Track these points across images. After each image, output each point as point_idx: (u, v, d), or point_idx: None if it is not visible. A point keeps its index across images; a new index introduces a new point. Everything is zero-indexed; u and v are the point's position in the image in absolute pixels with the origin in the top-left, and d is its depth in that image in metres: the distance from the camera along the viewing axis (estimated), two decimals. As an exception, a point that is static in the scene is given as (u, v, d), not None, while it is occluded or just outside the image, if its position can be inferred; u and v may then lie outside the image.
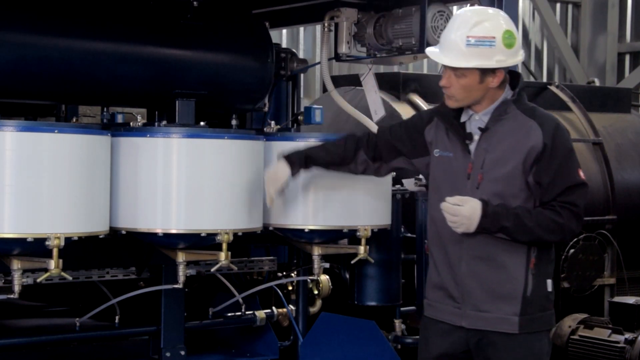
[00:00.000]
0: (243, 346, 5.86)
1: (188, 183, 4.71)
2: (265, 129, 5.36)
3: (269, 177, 4.61)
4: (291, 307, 5.99)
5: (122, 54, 5.15)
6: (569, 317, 6.83)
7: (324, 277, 6.24)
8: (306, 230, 5.10)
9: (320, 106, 6.06)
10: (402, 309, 6.01)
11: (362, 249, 5.21)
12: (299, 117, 5.97)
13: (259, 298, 5.86)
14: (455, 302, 4.14)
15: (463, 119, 4.15)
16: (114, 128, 4.91)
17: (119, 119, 5.43)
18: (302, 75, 6.28)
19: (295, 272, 5.98)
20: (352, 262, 5.42)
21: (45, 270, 4.40)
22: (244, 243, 5.38)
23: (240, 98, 5.68)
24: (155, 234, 4.72)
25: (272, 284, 5.80)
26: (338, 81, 7.05)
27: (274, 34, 6.17)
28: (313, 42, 11.62)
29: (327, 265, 5.44)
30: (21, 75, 4.90)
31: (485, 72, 4.01)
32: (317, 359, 5.62)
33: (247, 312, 5.71)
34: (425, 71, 11.94)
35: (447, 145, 4.17)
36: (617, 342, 6.53)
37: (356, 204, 5.14)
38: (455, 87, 4.05)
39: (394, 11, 5.64)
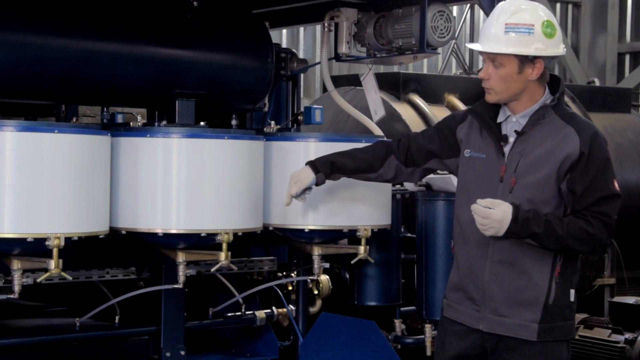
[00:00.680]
0: (243, 346, 5.86)
1: (188, 183, 4.70)
2: (265, 129, 5.34)
3: (292, 178, 4.53)
4: (291, 307, 5.99)
5: (122, 54, 5.15)
6: (569, 317, 6.83)
7: (324, 277, 6.23)
8: (306, 230, 5.09)
9: (320, 106, 6.05)
10: (402, 309, 5.99)
11: (362, 249, 5.20)
12: (298, 117, 5.97)
13: (259, 298, 5.85)
14: (475, 304, 4.07)
15: (500, 119, 4.09)
16: (114, 128, 4.90)
17: (119, 119, 5.44)
18: (302, 75, 6.26)
19: (295, 272, 5.98)
20: (352, 262, 5.41)
21: (45, 270, 4.39)
22: (244, 243, 5.37)
23: (240, 98, 5.67)
24: (155, 234, 4.71)
25: (272, 284, 5.80)
26: (338, 81, 7.06)
27: (274, 34, 6.17)
28: (313, 42, 11.62)
29: (327, 265, 5.43)
30: (21, 75, 4.90)
31: (524, 62, 3.95)
32: (317, 359, 5.62)
33: (247, 312, 5.71)
34: (425, 71, 11.94)
35: (480, 146, 4.10)
36: (617, 342, 6.53)
37: (356, 204, 5.12)
38: (494, 78, 3.99)
39: (394, 11, 5.64)
